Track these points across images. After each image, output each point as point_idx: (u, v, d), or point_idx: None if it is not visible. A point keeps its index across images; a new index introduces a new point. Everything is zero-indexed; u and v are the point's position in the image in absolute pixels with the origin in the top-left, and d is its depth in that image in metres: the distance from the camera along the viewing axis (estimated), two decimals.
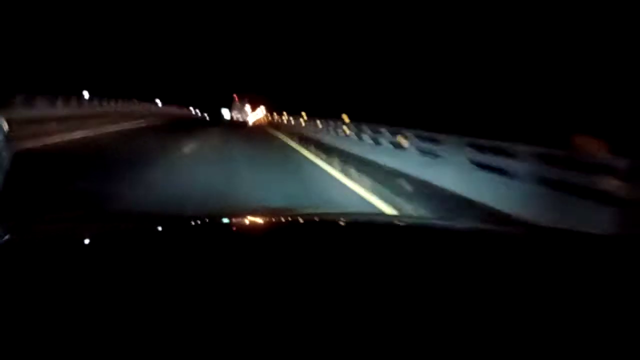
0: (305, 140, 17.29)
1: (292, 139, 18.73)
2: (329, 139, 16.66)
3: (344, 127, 15.75)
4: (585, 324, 0.66)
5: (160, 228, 1.22)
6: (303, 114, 28.13)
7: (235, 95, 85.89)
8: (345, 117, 16.79)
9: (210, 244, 1.03)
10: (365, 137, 12.87)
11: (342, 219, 1.53)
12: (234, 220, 1.43)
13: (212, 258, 0.88)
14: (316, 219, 1.51)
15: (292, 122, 29.06)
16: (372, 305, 0.67)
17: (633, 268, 0.95)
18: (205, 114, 76.34)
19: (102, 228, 1.15)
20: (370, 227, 1.41)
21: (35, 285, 0.68)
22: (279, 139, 19.99)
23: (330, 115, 19.53)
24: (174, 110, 48.88)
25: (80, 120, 16.58)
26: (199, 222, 1.29)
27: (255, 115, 63.93)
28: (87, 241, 1.03)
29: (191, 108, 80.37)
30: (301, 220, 1.44)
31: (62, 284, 0.70)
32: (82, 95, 24.48)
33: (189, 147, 12.02)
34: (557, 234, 1.45)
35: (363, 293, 0.72)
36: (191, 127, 23.24)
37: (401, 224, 1.66)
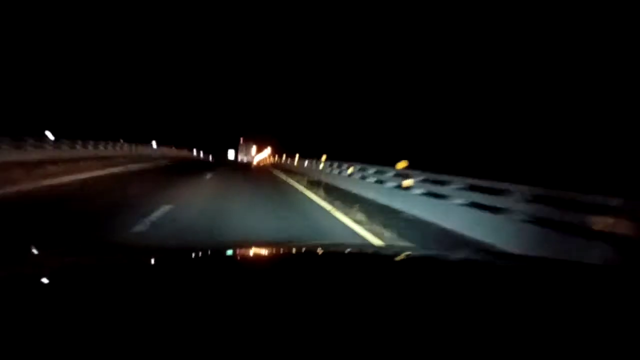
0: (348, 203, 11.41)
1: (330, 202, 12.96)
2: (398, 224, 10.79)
3: (406, 182, 9.95)
4: (581, 349, 0.66)
5: (161, 260, 1.25)
6: (323, 157, 22.40)
7: (242, 139, 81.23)
8: (402, 164, 11.04)
9: (213, 275, 1.04)
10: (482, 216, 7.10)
11: (336, 249, 1.69)
12: (235, 252, 1.49)
13: (215, 288, 0.90)
14: (318, 250, 1.58)
15: (307, 165, 23.31)
16: (374, 334, 0.68)
17: (627, 298, 0.97)
18: (210, 157, 72.00)
19: (103, 261, 1.17)
20: (364, 257, 1.50)
21: (40, 315, 0.68)
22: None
23: (357, 158, 14.00)
24: (166, 152, 43.62)
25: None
26: (199, 254, 1.36)
27: (260, 156, 58.90)
28: (90, 273, 1.01)
29: (194, 151, 75.75)
30: (302, 252, 1.50)
31: (63, 317, 0.68)
32: (45, 136, 19.43)
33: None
34: (550, 265, 1.45)
35: (363, 322, 0.73)
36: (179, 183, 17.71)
37: (397, 254, 1.74)
